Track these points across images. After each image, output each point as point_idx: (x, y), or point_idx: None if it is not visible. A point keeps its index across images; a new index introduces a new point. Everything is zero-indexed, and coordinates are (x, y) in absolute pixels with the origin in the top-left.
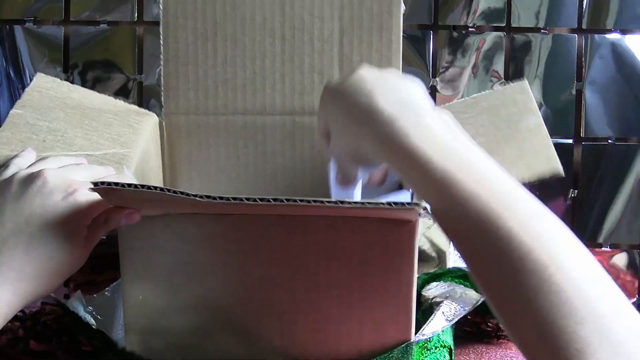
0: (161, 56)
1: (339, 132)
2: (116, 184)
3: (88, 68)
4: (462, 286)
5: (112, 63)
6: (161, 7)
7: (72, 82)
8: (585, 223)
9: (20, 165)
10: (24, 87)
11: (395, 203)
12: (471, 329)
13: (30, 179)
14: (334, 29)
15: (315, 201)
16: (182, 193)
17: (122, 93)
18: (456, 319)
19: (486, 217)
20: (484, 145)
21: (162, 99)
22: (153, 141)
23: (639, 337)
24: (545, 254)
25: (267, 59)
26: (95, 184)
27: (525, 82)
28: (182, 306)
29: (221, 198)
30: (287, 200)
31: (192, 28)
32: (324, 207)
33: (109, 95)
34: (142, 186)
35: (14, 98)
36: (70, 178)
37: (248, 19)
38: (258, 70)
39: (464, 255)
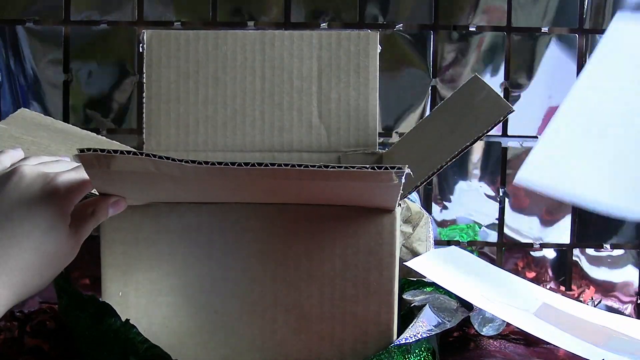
0: (144, 94)
1: None
2: (102, 150)
3: (88, 68)
4: (443, 294)
5: (112, 63)
6: (145, 46)
7: (72, 82)
8: (585, 223)
9: (4, 164)
10: (25, 87)
11: (379, 166)
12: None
13: (7, 176)
14: (313, 68)
15: (299, 165)
16: (167, 158)
17: (122, 93)
18: (439, 330)
19: None
20: (445, 126)
21: (144, 136)
22: None
23: None
24: None
25: (247, 97)
26: (82, 150)
27: (475, 75)
28: (162, 303)
29: (206, 162)
30: (272, 164)
31: (174, 67)
32: (307, 170)
33: (108, 94)
34: (128, 152)
35: (15, 98)
36: (46, 171)
37: (229, 59)
38: (238, 108)
39: None
